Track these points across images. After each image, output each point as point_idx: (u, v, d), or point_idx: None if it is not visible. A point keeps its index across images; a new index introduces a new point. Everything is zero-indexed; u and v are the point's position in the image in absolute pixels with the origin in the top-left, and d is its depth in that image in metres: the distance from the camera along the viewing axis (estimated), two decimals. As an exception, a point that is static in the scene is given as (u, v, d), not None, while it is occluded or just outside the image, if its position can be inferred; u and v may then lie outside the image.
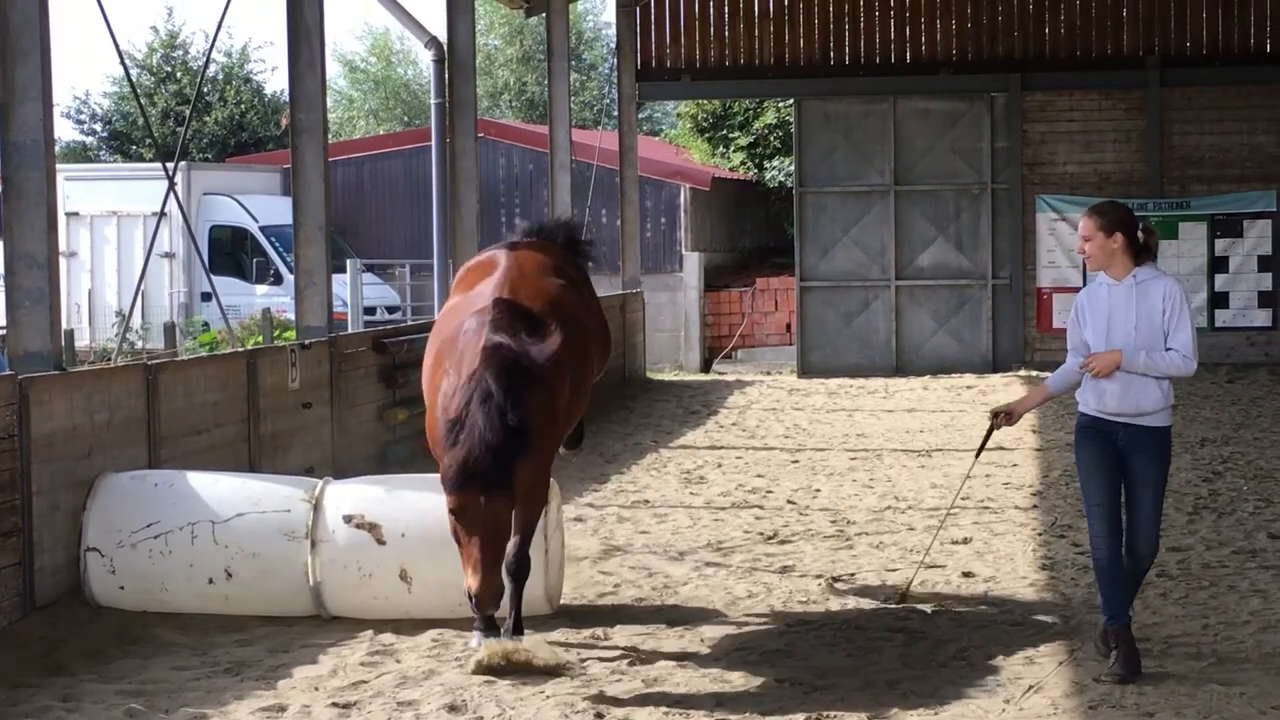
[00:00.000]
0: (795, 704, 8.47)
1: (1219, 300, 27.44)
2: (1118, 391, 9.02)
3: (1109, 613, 9.02)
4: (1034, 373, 26.92)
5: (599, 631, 10.07)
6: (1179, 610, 10.47)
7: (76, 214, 32.13)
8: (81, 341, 27.32)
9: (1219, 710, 8.25)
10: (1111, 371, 8.95)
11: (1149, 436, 9.05)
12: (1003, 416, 9.57)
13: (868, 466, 17.34)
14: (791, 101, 30.35)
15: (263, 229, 32.45)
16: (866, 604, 10.82)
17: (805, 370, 28.38)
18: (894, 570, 11.86)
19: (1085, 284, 27.24)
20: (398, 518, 10.19)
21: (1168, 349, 8.96)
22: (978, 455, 10.59)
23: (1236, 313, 27.43)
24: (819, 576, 11.66)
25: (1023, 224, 27.88)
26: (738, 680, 8.99)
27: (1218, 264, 27.43)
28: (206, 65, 41.78)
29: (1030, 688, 8.72)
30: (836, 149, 28.55)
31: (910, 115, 28.41)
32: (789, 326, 30.66)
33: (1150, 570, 9.53)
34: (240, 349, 14.49)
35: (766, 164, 37.64)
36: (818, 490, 15.82)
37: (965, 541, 12.96)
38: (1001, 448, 17.97)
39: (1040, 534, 13.27)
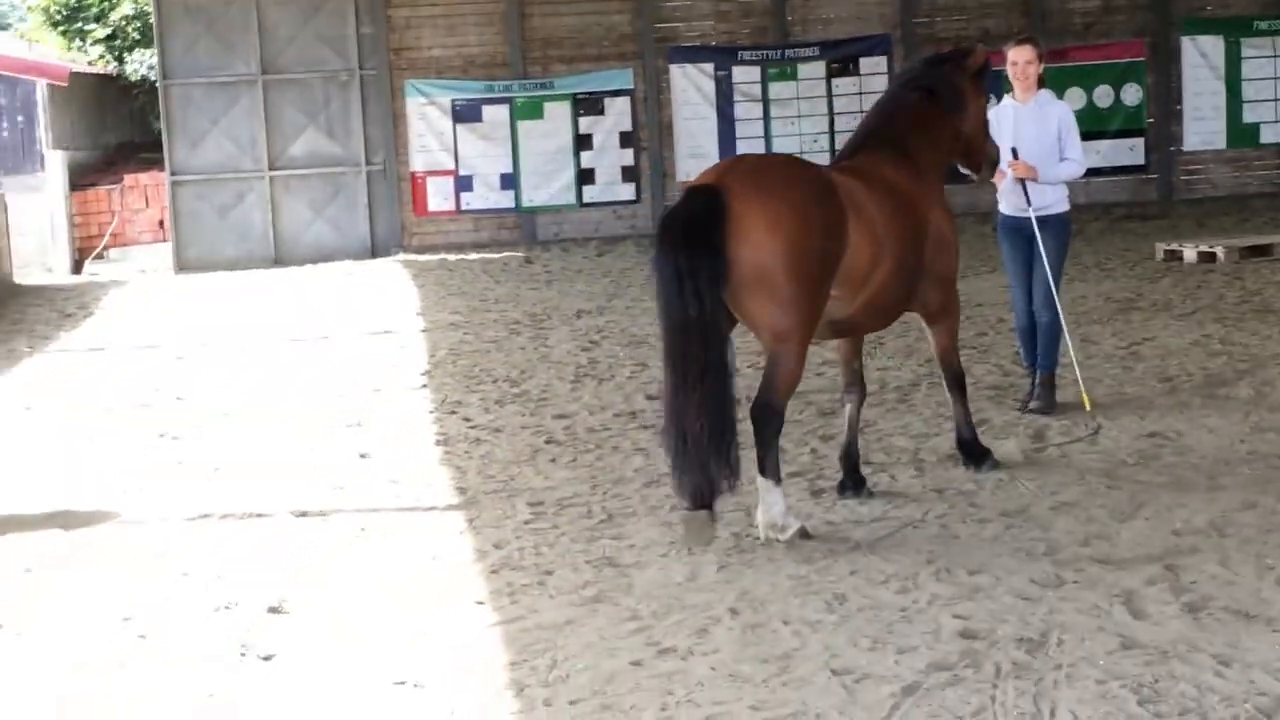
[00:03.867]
0: (201, 591, 8.39)
1: (586, 177, 28.29)
2: (1029, 197, 11.63)
3: (1028, 362, 12.02)
4: (414, 256, 27.20)
5: None
6: (569, 473, 10.88)
7: None
8: None
9: (613, 560, 8.64)
10: (1029, 175, 11.50)
11: (1051, 221, 11.70)
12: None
13: (259, 356, 17.20)
14: (151, -8, 29.51)
15: None
16: (265, 488, 10.78)
17: (183, 266, 27.88)
18: (290, 456, 11.88)
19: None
20: None
21: (1064, 159, 11.64)
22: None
23: (603, 188, 28.35)
24: (217, 468, 11.57)
25: (393, 109, 28.01)
26: (144, 576, 8.84)
27: (582, 141, 28.24)
28: None
29: (433, 558, 8.91)
30: (199, 39, 27.97)
31: (273, 3, 28.07)
32: (162, 223, 29.98)
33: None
34: None
35: (127, 56, 36.59)
36: (195, 383, 15.61)
37: (358, 425, 13.06)
38: (388, 331, 18.24)
39: (432, 411, 13.51)
